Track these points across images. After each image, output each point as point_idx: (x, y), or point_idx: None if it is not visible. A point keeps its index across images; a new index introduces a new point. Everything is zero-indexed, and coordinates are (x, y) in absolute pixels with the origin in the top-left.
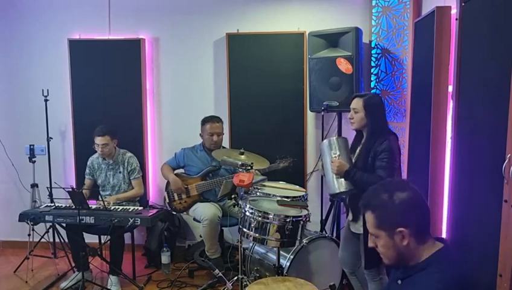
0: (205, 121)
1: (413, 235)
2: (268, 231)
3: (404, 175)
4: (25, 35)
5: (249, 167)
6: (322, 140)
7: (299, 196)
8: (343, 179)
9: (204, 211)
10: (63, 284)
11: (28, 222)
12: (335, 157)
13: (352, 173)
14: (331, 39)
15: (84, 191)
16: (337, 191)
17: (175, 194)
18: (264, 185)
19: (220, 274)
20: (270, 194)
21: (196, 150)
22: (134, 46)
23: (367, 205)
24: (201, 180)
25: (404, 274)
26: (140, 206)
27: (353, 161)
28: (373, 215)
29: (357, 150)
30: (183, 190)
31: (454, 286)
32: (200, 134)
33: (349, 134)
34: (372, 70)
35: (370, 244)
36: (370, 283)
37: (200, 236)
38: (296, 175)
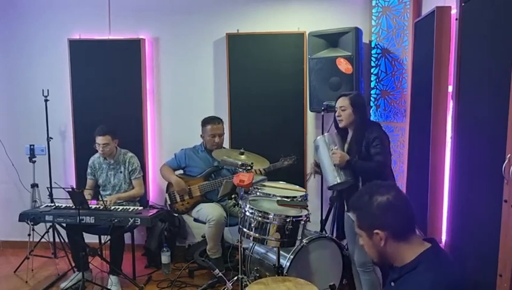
0: (206, 122)
1: (390, 237)
2: (268, 231)
3: (405, 175)
4: (25, 35)
5: (249, 167)
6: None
7: (299, 196)
8: (341, 171)
9: (211, 211)
10: (63, 284)
11: (28, 222)
12: (336, 148)
13: (353, 162)
14: (331, 39)
15: (87, 191)
16: (336, 183)
17: (177, 196)
18: (264, 185)
19: (220, 274)
20: (270, 194)
21: (197, 150)
22: (134, 46)
23: (352, 205)
24: (204, 180)
25: (396, 275)
26: (140, 206)
27: None
28: (355, 216)
29: (346, 146)
30: (186, 191)
31: (445, 284)
32: (201, 135)
33: None
34: (372, 70)
35: (359, 242)
36: (362, 274)
37: (202, 236)
38: (296, 175)
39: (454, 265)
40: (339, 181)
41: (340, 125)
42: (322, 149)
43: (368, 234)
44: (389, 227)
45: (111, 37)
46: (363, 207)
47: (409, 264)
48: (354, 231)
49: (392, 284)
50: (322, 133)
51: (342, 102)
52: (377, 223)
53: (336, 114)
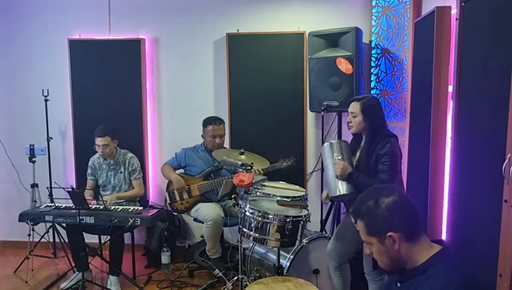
0: (207, 123)
1: (403, 238)
2: (268, 231)
3: (404, 176)
4: (25, 35)
5: (249, 167)
6: (322, 141)
7: (299, 196)
8: (344, 182)
9: (208, 211)
10: (63, 285)
11: (28, 222)
12: (338, 159)
13: (354, 175)
14: (331, 39)
15: (87, 192)
16: (338, 194)
17: (176, 195)
18: (264, 185)
19: (220, 274)
20: (270, 194)
21: (197, 150)
22: (134, 46)
23: (356, 213)
24: (203, 180)
25: (403, 277)
26: (140, 206)
27: (354, 163)
28: (363, 223)
29: (357, 153)
30: (186, 189)
31: (456, 287)
32: (202, 135)
33: (349, 134)
34: (372, 70)
35: (366, 251)
36: (371, 282)
37: (202, 236)
38: (296, 175)
39: (464, 267)
40: (340, 193)
41: (350, 131)
42: (327, 157)
43: (379, 239)
44: (401, 228)
45: (111, 37)
46: (370, 212)
47: (420, 266)
48: (344, 231)
49: (398, 284)
50: (322, 134)
51: (353, 107)
52: (389, 225)
53: (347, 120)
